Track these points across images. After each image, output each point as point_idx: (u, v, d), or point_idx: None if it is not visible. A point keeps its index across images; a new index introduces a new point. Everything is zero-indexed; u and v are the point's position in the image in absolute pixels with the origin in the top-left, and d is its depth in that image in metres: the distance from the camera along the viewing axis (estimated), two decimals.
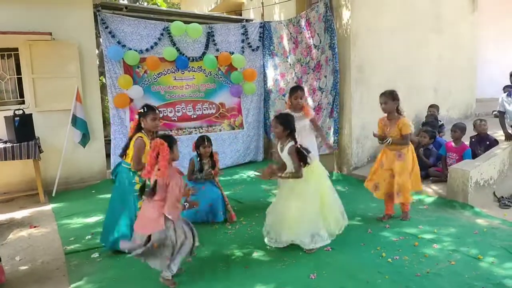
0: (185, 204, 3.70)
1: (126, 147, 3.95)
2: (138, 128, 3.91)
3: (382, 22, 6.80)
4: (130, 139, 3.91)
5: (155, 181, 3.17)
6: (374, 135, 4.59)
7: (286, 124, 3.85)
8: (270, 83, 8.26)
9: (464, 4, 8.26)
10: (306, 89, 7.23)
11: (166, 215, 3.14)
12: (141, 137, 3.83)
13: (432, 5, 7.63)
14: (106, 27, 6.79)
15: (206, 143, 4.86)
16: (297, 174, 3.78)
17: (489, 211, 4.77)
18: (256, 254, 3.84)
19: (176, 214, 3.22)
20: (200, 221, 4.62)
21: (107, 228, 3.99)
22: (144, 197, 3.28)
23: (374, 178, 4.66)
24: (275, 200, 4.20)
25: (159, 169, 3.14)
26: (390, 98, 4.38)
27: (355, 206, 5.16)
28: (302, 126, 4.92)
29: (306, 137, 4.87)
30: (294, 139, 3.83)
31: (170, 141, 3.22)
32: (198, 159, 4.94)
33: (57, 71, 6.45)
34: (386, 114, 4.49)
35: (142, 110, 3.88)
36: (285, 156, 3.84)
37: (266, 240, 4.02)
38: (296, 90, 5.07)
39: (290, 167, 3.87)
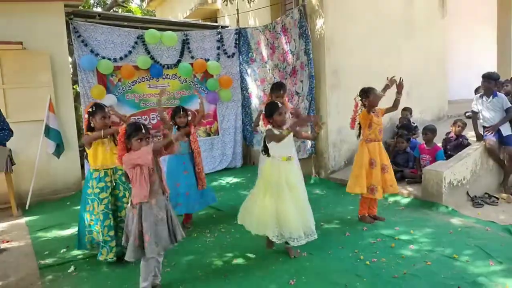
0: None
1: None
2: (89, 129, 3.86)
3: (355, 28, 6.90)
4: None
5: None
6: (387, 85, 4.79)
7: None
8: (250, 89, 8.26)
9: (434, 10, 8.45)
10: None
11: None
12: (87, 134, 3.84)
13: (403, 11, 7.77)
14: (79, 36, 6.70)
15: (181, 113, 4.72)
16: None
17: (463, 211, 4.87)
18: (236, 262, 3.83)
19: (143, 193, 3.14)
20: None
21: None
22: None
23: (371, 182, 4.51)
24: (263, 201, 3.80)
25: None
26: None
27: (332, 210, 5.21)
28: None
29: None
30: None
31: (130, 130, 3.15)
32: (176, 127, 4.76)
33: (29, 81, 6.31)
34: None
35: (90, 110, 3.83)
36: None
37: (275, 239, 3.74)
38: (278, 89, 4.92)
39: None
